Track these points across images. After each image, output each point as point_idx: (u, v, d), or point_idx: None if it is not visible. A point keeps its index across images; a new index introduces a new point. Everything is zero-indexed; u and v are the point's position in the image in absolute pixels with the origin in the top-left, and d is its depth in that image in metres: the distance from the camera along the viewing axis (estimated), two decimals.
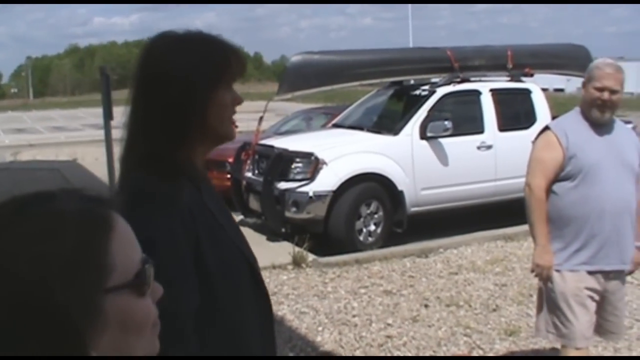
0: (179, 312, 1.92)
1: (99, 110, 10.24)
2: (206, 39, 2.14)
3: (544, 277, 4.64)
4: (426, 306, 7.35)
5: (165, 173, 2.02)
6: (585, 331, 4.58)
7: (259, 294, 2.27)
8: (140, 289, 1.12)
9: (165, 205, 1.98)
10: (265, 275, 8.07)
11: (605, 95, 4.42)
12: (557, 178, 4.55)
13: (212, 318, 2.04)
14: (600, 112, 4.47)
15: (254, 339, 2.20)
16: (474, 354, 6.16)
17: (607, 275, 4.58)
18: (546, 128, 4.73)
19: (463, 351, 6.19)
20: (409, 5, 49.69)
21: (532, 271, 4.75)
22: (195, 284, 1.99)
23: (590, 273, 4.53)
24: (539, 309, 4.85)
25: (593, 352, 5.26)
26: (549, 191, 4.61)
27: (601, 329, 4.77)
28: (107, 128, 9.98)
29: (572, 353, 4.61)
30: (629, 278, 4.91)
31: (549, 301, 4.69)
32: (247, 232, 10.57)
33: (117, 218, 1.14)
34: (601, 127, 4.55)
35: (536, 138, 4.79)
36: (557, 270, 4.58)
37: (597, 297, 4.60)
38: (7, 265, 1.01)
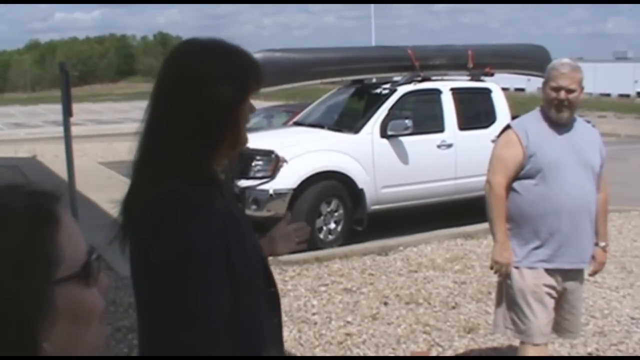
0: (213, 317, 1.99)
1: (60, 107, 10.14)
2: (234, 50, 2.18)
3: (503, 273, 4.67)
4: (386, 304, 7.37)
5: (199, 181, 2.07)
6: (543, 328, 4.62)
7: (270, 294, 2.34)
8: (88, 279, 1.12)
9: (202, 214, 2.03)
10: None
11: (562, 94, 4.46)
12: (518, 176, 4.58)
13: (234, 319, 2.08)
14: (557, 111, 4.52)
15: (269, 337, 2.28)
16: (433, 351, 6.19)
17: (566, 273, 4.63)
18: (507, 127, 4.77)
19: (422, 348, 6.22)
20: (372, 4, 49.82)
21: (491, 268, 4.78)
22: (227, 290, 2.05)
23: (549, 271, 4.57)
24: (498, 306, 4.89)
25: (550, 348, 5.31)
26: (510, 189, 4.65)
27: (559, 327, 4.81)
28: (67, 125, 9.90)
29: (530, 349, 4.65)
30: (585, 275, 4.97)
31: (507, 298, 4.72)
32: None
33: (63, 211, 1.14)
34: (562, 127, 4.59)
35: (497, 137, 4.83)
36: (516, 267, 4.62)
37: (555, 295, 4.64)
38: None
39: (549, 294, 4.61)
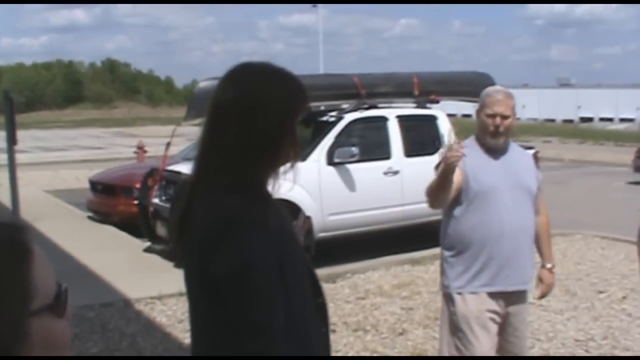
0: (269, 326, 2.10)
1: (3, 134, 10.03)
2: (286, 73, 2.33)
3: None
4: (334, 331, 7.35)
5: (256, 199, 2.22)
6: (487, 353, 4.65)
7: (318, 304, 2.43)
8: (60, 310, 1.15)
9: (259, 229, 2.14)
10: (172, 302, 8.04)
11: (497, 120, 4.53)
12: (456, 203, 4.63)
13: (288, 329, 2.17)
14: (493, 137, 4.59)
15: (317, 346, 2.38)
16: None
17: (509, 297, 4.67)
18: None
19: None
20: (320, 29, 50.11)
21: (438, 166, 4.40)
22: (282, 300, 2.16)
23: (492, 295, 4.62)
24: (442, 332, 4.92)
25: None
26: (449, 216, 4.70)
27: (504, 350, 4.85)
28: (10, 153, 9.77)
29: None
30: (530, 299, 5.04)
31: (451, 324, 4.75)
32: (154, 258, 10.55)
33: (33, 243, 1.16)
34: (497, 152, 4.66)
35: (437, 166, 4.85)
36: (459, 293, 4.65)
37: (498, 320, 4.69)
38: None
39: (492, 319, 4.65)
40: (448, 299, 4.77)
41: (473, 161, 4.60)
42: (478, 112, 4.67)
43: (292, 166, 2.37)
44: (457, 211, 4.65)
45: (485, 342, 4.64)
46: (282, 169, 2.36)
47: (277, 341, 2.11)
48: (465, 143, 4.79)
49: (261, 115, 2.21)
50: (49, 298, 1.12)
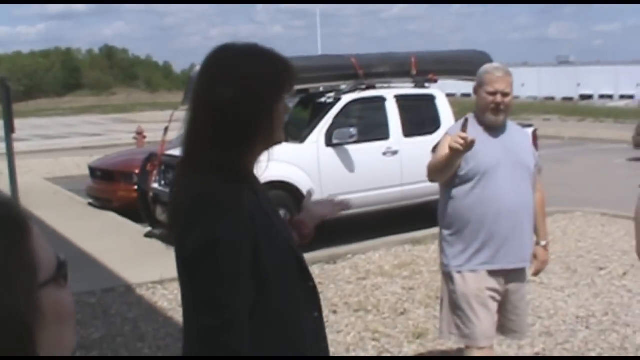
0: (230, 304, 2.11)
1: (1, 123, 10.02)
2: (268, 52, 2.32)
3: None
4: (335, 312, 7.39)
5: (230, 178, 2.21)
6: (488, 331, 4.67)
7: (308, 288, 2.43)
8: (62, 280, 1.17)
9: (230, 208, 2.16)
10: (173, 286, 8.06)
11: (498, 98, 4.53)
12: (453, 183, 4.63)
13: (268, 314, 2.22)
14: (494, 115, 4.59)
15: (306, 332, 2.38)
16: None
17: (508, 274, 4.68)
18: (446, 134, 4.82)
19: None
20: (318, 12, 50.01)
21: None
22: (249, 280, 2.16)
23: (491, 273, 4.62)
24: (442, 311, 4.93)
25: (497, 350, 5.37)
26: (448, 195, 4.70)
27: (504, 328, 4.88)
28: (9, 141, 9.78)
29: (476, 352, 4.69)
30: (530, 277, 5.04)
31: (450, 302, 4.77)
32: (155, 243, 10.56)
33: (28, 219, 1.18)
34: (495, 130, 4.66)
35: (434, 148, 4.86)
36: (458, 272, 4.66)
37: (498, 297, 4.70)
38: None
39: (492, 297, 4.66)
40: (447, 277, 4.77)
41: None
42: (476, 89, 4.67)
43: (270, 148, 2.37)
44: (456, 190, 4.65)
45: (485, 320, 4.65)
46: (269, 151, 2.38)
47: (240, 321, 2.13)
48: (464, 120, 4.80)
49: (240, 96, 2.21)
50: (51, 270, 1.14)
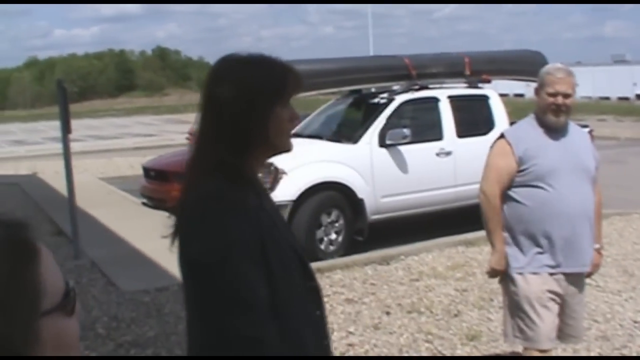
0: (253, 302, 2.15)
1: (57, 124, 10.15)
2: (266, 61, 2.39)
3: (496, 278, 4.88)
4: (388, 313, 7.36)
5: (235, 180, 2.27)
6: (550, 333, 4.62)
7: (310, 288, 2.46)
8: (69, 309, 1.12)
9: (237, 208, 2.21)
10: None
11: (559, 99, 4.48)
12: (516, 183, 4.59)
13: (274, 312, 2.21)
14: (555, 116, 4.53)
15: (308, 331, 2.39)
16: None
17: (568, 278, 4.63)
18: (501, 136, 4.78)
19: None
20: (369, 13, 49.98)
21: (488, 274, 4.86)
22: (264, 280, 2.19)
23: (552, 276, 4.58)
24: (505, 315, 4.89)
25: (553, 354, 5.29)
26: (508, 197, 4.66)
27: (561, 332, 4.81)
28: (65, 142, 9.90)
29: (535, 355, 4.65)
30: (587, 280, 4.97)
31: (512, 305, 4.72)
32: None
33: (39, 241, 1.14)
34: (556, 132, 4.61)
35: (492, 145, 4.84)
36: (520, 274, 4.62)
37: (558, 300, 4.64)
38: None
39: (553, 300, 4.61)
40: (509, 280, 4.72)
41: (532, 142, 4.57)
42: (537, 90, 4.62)
43: (274, 154, 2.42)
44: (517, 192, 4.61)
45: (548, 322, 4.60)
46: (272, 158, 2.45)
47: (262, 317, 2.15)
48: (523, 123, 4.77)
49: (230, 102, 2.28)
50: (57, 297, 1.10)
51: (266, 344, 2.12)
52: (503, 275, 4.73)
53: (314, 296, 2.47)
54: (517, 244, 4.65)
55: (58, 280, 1.12)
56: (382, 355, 6.31)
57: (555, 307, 4.64)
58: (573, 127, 4.77)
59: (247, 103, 2.29)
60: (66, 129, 9.81)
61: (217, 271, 2.14)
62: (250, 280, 2.15)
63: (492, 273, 4.84)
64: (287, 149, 2.42)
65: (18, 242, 1.09)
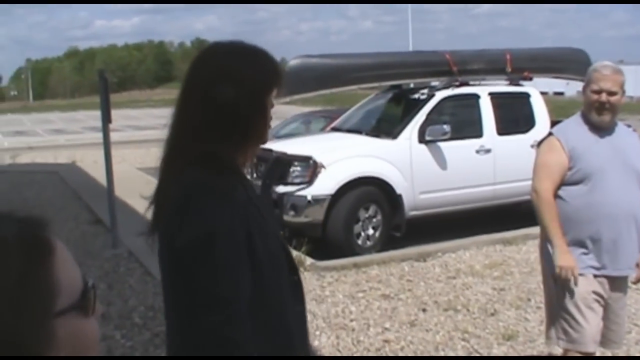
0: (234, 299, 2.08)
1: (99, 113, 10.21)
2: (258, 50, 2.34)
3: (569, 277, 4.52)
4: (424, 310, 7.32)
5: (221, 171, 2.20)
6: (595, 335, 4.56)
7: (293, 282, 2.41)
8: (87, 308, 1.10)
9: (223, 199, 2.14)
10: None
11: (603, 97, 4.40)
12: (563, 182, 4.53)
13: (258, 307, 2.16)
14: (598, 114, 4.46)
15: (294, 325, 2.34)
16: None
17: (612, 281, 4.56)
18: (549, 134, 4.71)
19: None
20: (409, 8, 49.84)
21: (557, 274, 4.56)
22: (248, 273, 2.13)
23: (596, 278, 4.51)
24: (548, 316, 4.82)
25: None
26: (555, 196, 4.59)
27: (603, 337, 4.71)
28: (105, 131, 9.96)
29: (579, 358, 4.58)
30: (629, 283, 4.89)
31: (558, 307, 4.65)
32: None
33: (55, 238, 1.11)
34: (604, 131, 4.54)
35: (539, 144, 4.77)
36: None
37: (602, 303, 4.57)
38: None
39: (598, 301, 4.55)
40: (553, 279, 4.65)
41: (579, 141, 4.49)
42: (584, 88, 4.55)
43: (258, 145, 2.37)
44: (564, 191, 4.55)
45: (594, 324, 4.54)
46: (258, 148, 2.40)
47: (241, 315, 2.08)
48: (570, 121, 4.70)
49: (230, 91, 2.22)
50: (74, 296, 1.08)
51: (241, 345, 2.05)
52: (572, 271, 4.52)
53: (297, 291, 2.42)
54: None
55: (75, 279, 1.09)
56: (419, 351, 6.28)
57: (600, 310, 4.57)
58: (621, 126, 4.70)
59: (241, 91, 2.23)
60: (107, 118, 9.87)
61: (198, 264, 2.07)
62: (232, 276, 2.09)
63: (563, 271, 4.50)
64: (266, 139, 2.39)
65: (31, 239, 1.06)
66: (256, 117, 2.27)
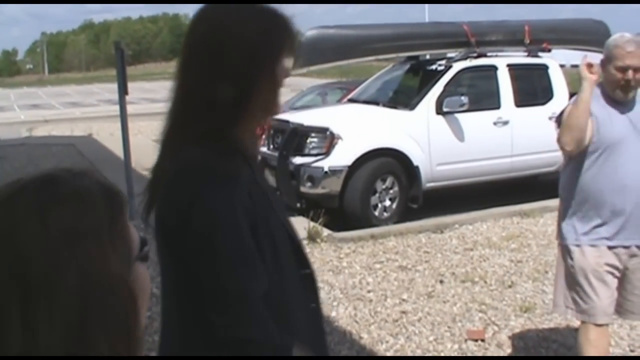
0: (247, 292, 1.86)
1: (114, 86, 10.24)
2: (265, 7, 2.03)
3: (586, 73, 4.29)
4: (441, 282, 7.32)
5: (225, 150, 1.94)
6: (606, 307, 4.51)
7: (304, 276, 2.16)
8: (146, 256, 1.18)
9: (226, 181, 1.89)
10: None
11: (629, 74, 4.28)
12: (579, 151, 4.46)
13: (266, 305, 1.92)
14: (624, 92, 4.36)
15: (301, 326, 2.09)
16: (489, 330, 6.13)
17: (629, 251, 4.52)
18: (569, 105, 4.64)
19: (478, 327, 6.16)
20: None
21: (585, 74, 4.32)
22: (258, 262, 1.90)
23: (611, 249, 4.47)
24: (557, 284, 4.79)
25: (609, 329, 5.21)
26: (570, 165, 4.55)
27: (621, 308, 4.69)
28: (122, 103, 9.98)
29: (592, 329, 4.53)
30: None
31: (567, 277, 4.62)
32: None
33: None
34: (622, 104, 4.47)
35: (559, 115, 4.68)
36: (577, 245, 4.51)
37: (617, 274, 4.53)
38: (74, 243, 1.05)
39: (611, 273, 4.50)
40: (565, 251, 4.63)
41: (598, 113, 4.41)
42: (604, 63, 4.40)
43: (269, 117, 2.16)
44: (579, 162, 4.49)
45: (604, 296, 4.49)
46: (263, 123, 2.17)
47: (257, 309, 1.86)
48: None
49: (234, 54, 1.94)
50: (137, 246, 1.16)
51: (262, 345, 1.85)
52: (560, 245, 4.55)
53: (309, 286, 2.18)
54: (576, 214, 4.53)
55: (135, 232, 1.17)
56: (436, 322, 6.27)
57: (613, 282, 4.53)
58: (638, 100, 4.62)
59: (249, 56, 1.94)
60: (123, 90, 9.88)
61: (203, 256, 1.85)
62: (242, 267, 1.86)
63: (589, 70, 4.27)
64: (277, 111, 2.11)
65: (111, 192, 1.14)
66: (264, 87, 1.97)
